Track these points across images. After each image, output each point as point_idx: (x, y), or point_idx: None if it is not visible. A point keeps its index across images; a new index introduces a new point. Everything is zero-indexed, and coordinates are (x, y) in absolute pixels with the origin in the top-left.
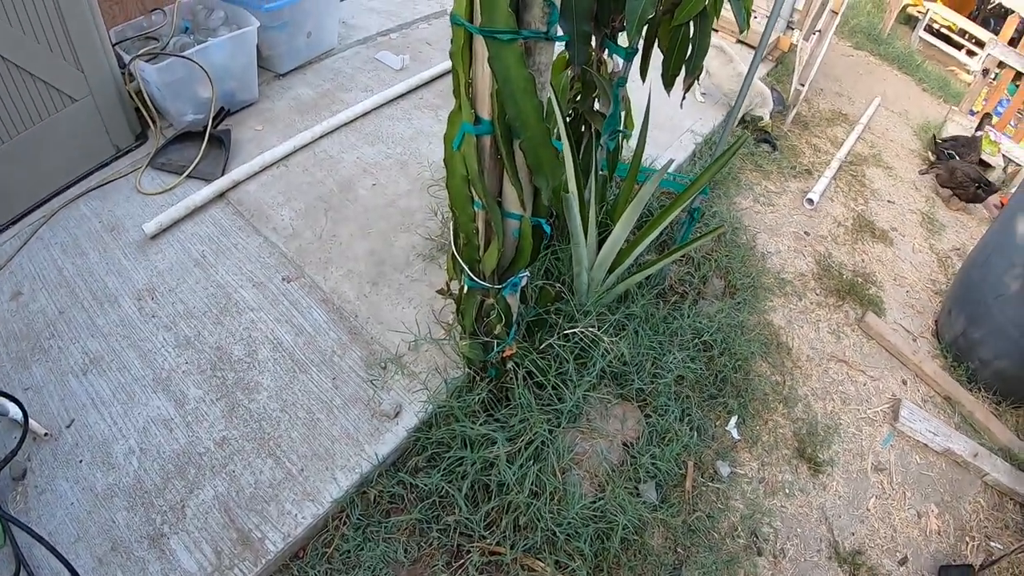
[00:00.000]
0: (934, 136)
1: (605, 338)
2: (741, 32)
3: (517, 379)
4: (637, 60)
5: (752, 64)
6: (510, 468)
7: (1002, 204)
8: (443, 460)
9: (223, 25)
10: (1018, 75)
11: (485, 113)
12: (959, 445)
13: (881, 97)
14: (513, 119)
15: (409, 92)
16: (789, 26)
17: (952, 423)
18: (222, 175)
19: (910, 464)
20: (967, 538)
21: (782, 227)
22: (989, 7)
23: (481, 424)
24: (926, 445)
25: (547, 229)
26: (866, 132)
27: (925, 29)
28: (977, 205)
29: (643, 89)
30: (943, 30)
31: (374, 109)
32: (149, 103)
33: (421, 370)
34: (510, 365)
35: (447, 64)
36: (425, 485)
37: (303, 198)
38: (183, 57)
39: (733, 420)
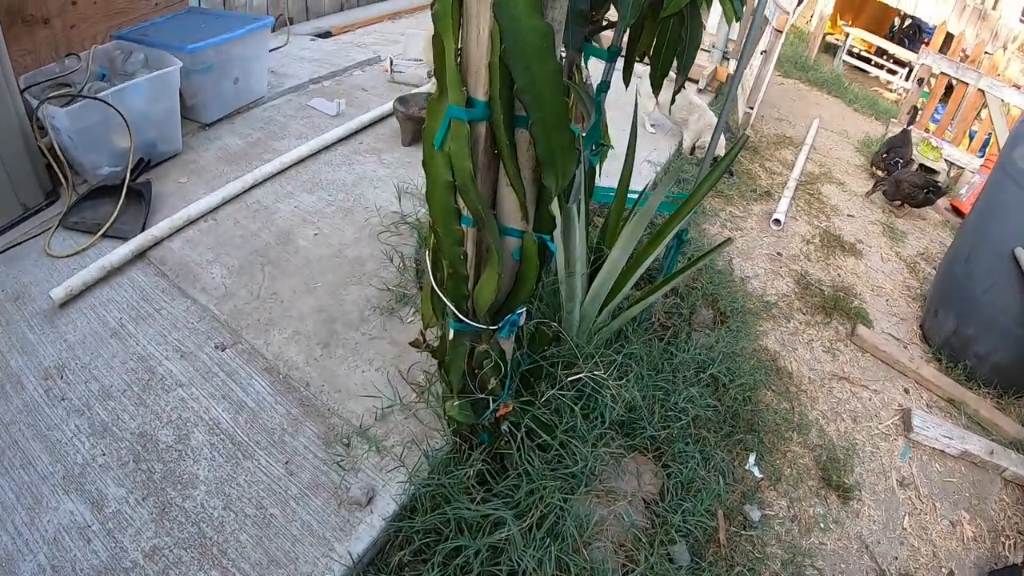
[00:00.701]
0: (877, 152)
1: (612, 383)
2: (736, 20)
3: (516, 442)
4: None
5: (729, 94)
6: (527, 551)
7: (951, 206)
8: (435, 552)
9: (143, 68)
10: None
11: (480, 92)
12: (974, 445)
13: (819, 119)
14: (524, 90)
15: (348, 137)
16: (725, 56)
17: (960, 424)
18: (142, 232)
19: (932, 473)
20: (1002, 538)
21: (754, 250)
22: (902, 28)
23: (479, 502)
24: (943, 451)
25: (552, 248)
26: (812, 152)
27: (847, 53)
28: (928, 210)
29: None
30: (864, 53)
31: (311, 156)
32: (61, 156)
33: (394, 443)
34: (505, 426)
35: (387, 107)
36: None
37: (236, 253)
38: (97, 99)
39: (752, 457)
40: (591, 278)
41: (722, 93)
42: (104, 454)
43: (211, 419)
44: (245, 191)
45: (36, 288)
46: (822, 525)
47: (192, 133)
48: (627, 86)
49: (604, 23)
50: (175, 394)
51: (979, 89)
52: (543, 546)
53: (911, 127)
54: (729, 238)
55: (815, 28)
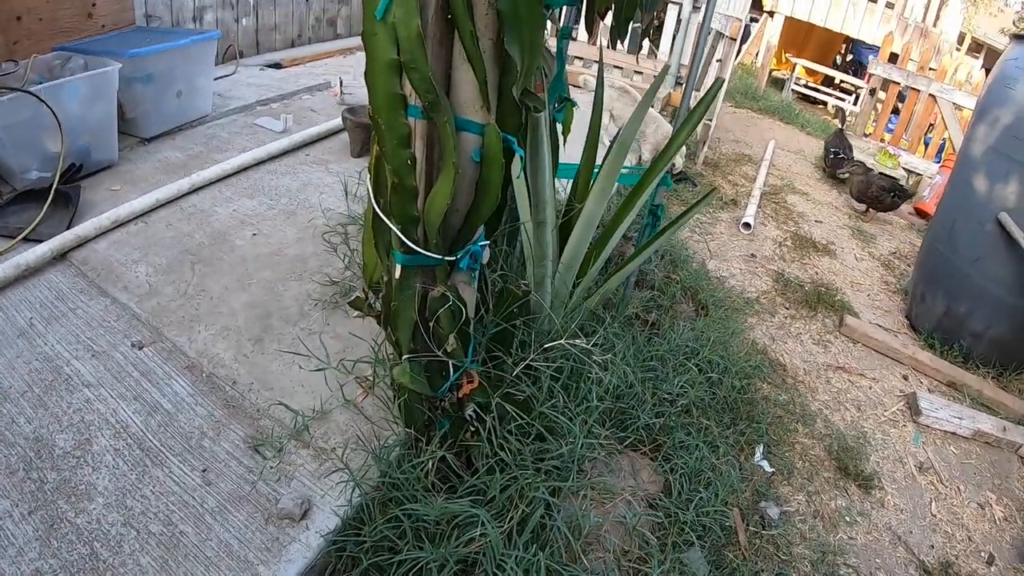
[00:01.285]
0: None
1: (598, 356)
2: None
3: (485, 429)
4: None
5: (683, 103)
6: (508, 558)
7: (916, 210)
8: (389, 573)
9: (81, 71)
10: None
11: None
12: (986, 424)
13: (775, 140)
14: None
15: (295, 150)
16: (678, 82)
17: (965, 406)
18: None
19: (949, 456)
20: None
21: (727, 252)
22: (845, 63)
23: (441, 502)
24: (955, 433)
25: (519, 151)
26: (772, 169)
27: (794, 83)
28: (892, 214)
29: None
30: (810, 83)
31: (254, 165)
32: None
33: (335, 445)
34: (471, 410)
35: (336, 122)
36: None
37: (165, 253)
38: (28, 92)
39: (759, 451)
40: (562, 241)
41: (677, 116)
42: None
43: (118, 422)
44: (181, 196)
45: None
46: (847, 519)
47: (130, 147)
48: (589, 35)
49: None
50: (80, 395)
51: (930, 94)
52: (528, 553)
53: (844, 126)
54: (714, 188)
55: (763, 58)
